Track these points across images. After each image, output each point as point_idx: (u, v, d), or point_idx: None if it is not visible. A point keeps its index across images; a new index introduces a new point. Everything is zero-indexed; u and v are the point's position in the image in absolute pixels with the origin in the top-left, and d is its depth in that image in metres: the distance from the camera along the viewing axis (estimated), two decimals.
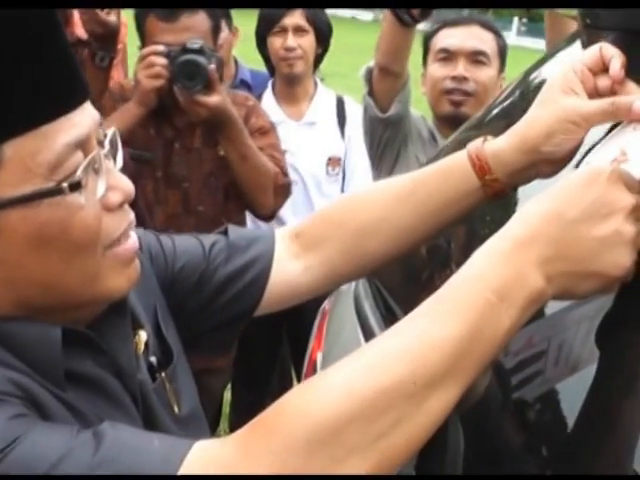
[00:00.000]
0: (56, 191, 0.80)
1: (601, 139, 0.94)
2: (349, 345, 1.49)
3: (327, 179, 2.95)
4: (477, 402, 1.03)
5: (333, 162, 2.96)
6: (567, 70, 0.96)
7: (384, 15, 2.10)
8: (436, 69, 2.33)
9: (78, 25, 2.52)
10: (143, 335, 0.99)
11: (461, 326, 0.74)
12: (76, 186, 0.81)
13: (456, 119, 2.28)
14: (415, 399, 0.72)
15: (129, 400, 0.92)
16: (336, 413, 0.71)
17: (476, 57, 2.31)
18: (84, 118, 0.84)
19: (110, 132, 0.88)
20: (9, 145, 0.78)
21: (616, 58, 0.94)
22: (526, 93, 1.47)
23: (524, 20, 49.08)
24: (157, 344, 1.02)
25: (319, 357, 1.63)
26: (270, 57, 2.93)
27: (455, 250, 1.26)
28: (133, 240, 0.91)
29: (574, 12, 1.43)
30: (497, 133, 1.04)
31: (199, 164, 2.36)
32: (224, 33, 3.05)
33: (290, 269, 1.11)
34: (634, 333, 0.85)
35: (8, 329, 0.83)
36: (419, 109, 2.52)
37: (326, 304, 1.81)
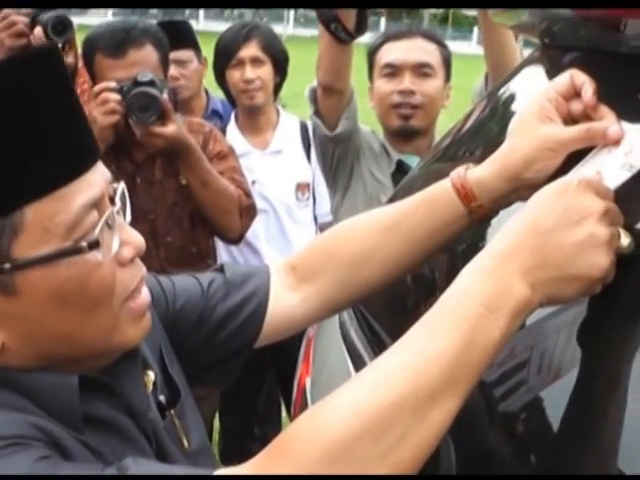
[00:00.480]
0: (75, 250, 0.83)
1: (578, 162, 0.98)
2: (337, 369, 1.50)
3: (298, 205, 2.96)
4: (463, 414, 1.06)
5: (302, 188, 2.97)
6: (541, 99, 1.01)
7: (320, 34, 2.09)
8: (383, 84, 2.35)
9: None
10: (151, 375, 1.02)
11: (455, 340, 0.78)
12: (94, 245, 0.84)
13: (406, 132, 2.34)
14: (418, 412, 0.76)
15: (143, 438, 0.95)
16: (346, 432, 0.75)
17: (421, 69, 2.32)
18: (97, 178, 0.87)
19: (119, 188, 0.92)
20: (30, 208, 0.81)
21: (587, 85, 0.98)
22: (492, 113, 1.50)
23: None
24: (164, 383, 1.05)
25: (308, 382, 1.64)
26: (230, 90, 2.95)
27: (435, 274, 1.29)
28: (145, 294, 0.94)
29: (509, 22, 1.47)
30: (467, 157, 1.08)
31: (162, 195, 2.36)
32: (193, 64, 3.09)
33: (287, 301, 1.14)
34: (613, 334, 0.88)
35: (26, 379, 0.85)
36: (369, 123, 2.54)
37: (310, 330, 1.81)
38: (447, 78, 2.39)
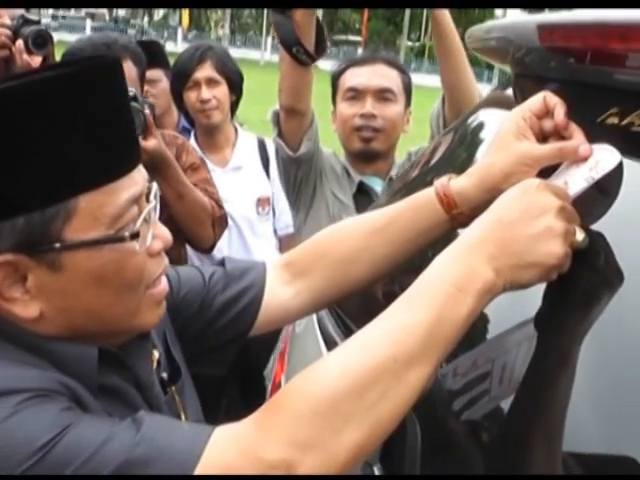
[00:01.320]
0: (119, 238, 0.94)
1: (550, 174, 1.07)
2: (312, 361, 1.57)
3: (259, 219, 3.02)
4: (432, 421, 1.11)
5: (262, 202, 3.03)
6: (517, 117, 1.11)
7: (281, 56, 2.12)
8: (345, 107, 2.41)
9: None
10: (156, 354, 1.11)
11: (429, 314, 0.89)
12: (135, 235, 0.95)
13: (367, 154, 2.39)
14: (397, 374, 0.86)
15: (147, 409, 1.01)
16: (333, 388, 0.85)
17: (383, 94, 2.38)
18: (140, 177, 0.98)
19: (154, 188, 1.01)
20: (83, 198, 0.91)
21: (559, 106, 1.09)
22: (465, 136, 1.57)
23: None
24: (167, 362, 1.14)
25: (283, 379, 1.70)
26: (188, 110, 3.00)
27: (403, 275, 1.35)
28: (165, 283, 1.04)
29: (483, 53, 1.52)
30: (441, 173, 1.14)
31: None
32: (162, 83, 3.11)
33: (281, 294, 1.24)
34: (569, 341, 0.95)
35: (51, 347, 0.95)
36: (331, 146, 2.59)
37: (284, 334, 1.87)
38: (407, 103, 2.45)
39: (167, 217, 2.38)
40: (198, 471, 0.83)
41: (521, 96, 1.16)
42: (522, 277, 0.94)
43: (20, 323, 0.94)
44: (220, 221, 2.49)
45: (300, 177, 2.38)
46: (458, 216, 1.14)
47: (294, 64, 2.05)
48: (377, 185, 2.44)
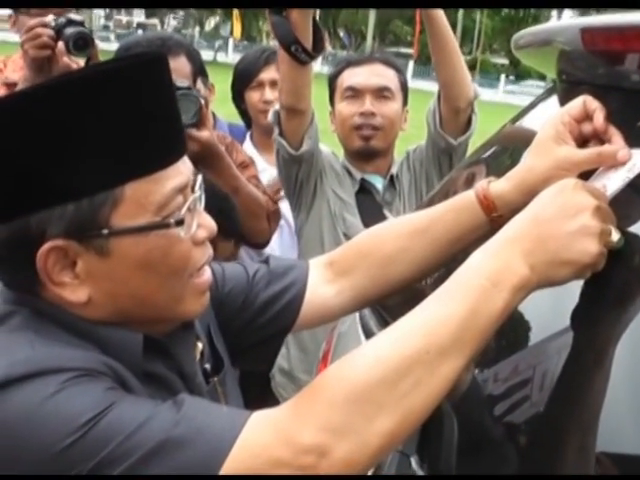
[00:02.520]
0: (165, 225, 0.97)
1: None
2: None
3: None
4: (471, 421, 1.13)
5: None
6: (557, 123, 1.12)
7: (280, 57, 2.14)
8: (344, 107, 2.44)
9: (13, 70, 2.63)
10: (200, 345, 1.13)
11: (463, 306, 0.91)
12: (180, 222, 0.98)
13: (367, 153, 2.42)
14: (429, 366, 0.89)
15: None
16: (367, 376, 0.88)
17: (381, 93, 2.41)
18: (185, 168, 1.01)
19: (199, 179, 1.04)
20: (130, 186, 0.94)
21: (599, 110, 1.09)
22: (510, 142, 1.58)
23: (511, 78, 49.68)
24: (210, 354, 1.16)
25: None
26: (246, 110, 3.04)
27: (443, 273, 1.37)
28: (209, 273, 1.06)
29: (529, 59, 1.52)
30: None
31: None
32: (201, 90, 3.17)
33: (324, 293, 1.26)
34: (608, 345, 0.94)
35: (98, 331, 0.98)
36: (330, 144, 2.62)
37: (328, 336, 1.88)
38: (404, 102, 2.49)
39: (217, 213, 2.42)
40: (234, 451, 0.86)
41: (565, 101, 1.15)
42: (557, 274, 0.95)
43: (69, 308, 0.97)
44: (274, 215, 2.49)
45: (301, 176, 2.40)
46: (498, 219, 1.15)
47: (293, 63, 2.06)
48: (378, 183, 2.48)
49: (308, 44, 2.02)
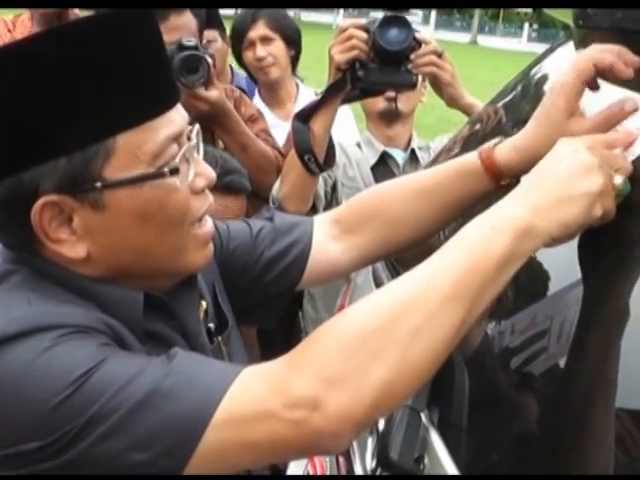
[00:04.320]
0: (159, 175, 0.96)
1: None
2: None
3: None
4: (485, 374, 1.11)
5: None
6: (567, 91, 1.08)
7: (288, 164, 2.14)
8: None
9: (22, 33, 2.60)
10: (204, 304, 1.13)
11: (461, 255, 0.90)
12: (175, 171, 0.97)
13: (390, 114, 2.48)
14: (427, 313, 0.86)
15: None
16: (362, 324, 0.87)
17: None
18: (178, 116, 0.99)
19: (195, 128, 1.03)
20: (121, 137, 0.93)
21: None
22: (527, 88, 1.56)
23: (534, 26, 49.06)
24: (215, 313, 1.16)
25: None
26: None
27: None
28: (210, 224, 1.06)
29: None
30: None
31: None
32: (218, 43, 3.15)
33: (330, 250, 1.26)
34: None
35: (98, 289, 0.98)
36: None
37: (344, 286, 1.90)
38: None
39: None
40: (224, 402, 0.85)
41: (581, 47, 1.13)
42: (564, 213, 0.92)
43: (68, 264, 0.97)
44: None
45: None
46: (506, 185, 1.13)
47: (303, 172, 2.10)
48: (399, 157, 2.54)
49: (321, 157, 2.07)
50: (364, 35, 1.85)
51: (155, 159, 0.95)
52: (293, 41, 3.03)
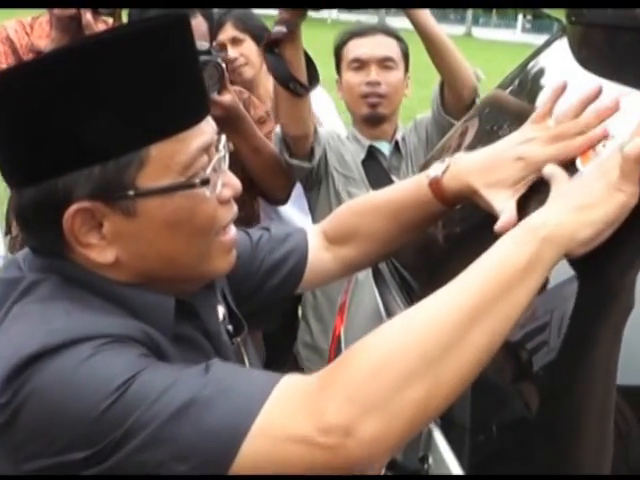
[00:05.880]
0: (190, 185, 0.99)
1: None
2: (369, 313, 1.63)
3: None
4: (488, 374, 1.11)
5: None
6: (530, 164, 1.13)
7: (276, 93, 2.25)
8: (351, 77, 2.58)
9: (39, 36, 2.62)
10: (221, 309, 1.16)
11: (488, 271, 0.91)
12: (205, 182, 1.00)
13: (374, 119, 2.57)
14: (457, 331, 0.87)
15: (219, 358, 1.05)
16: (391, 346, 0.87)
17: (385, 63, 2.56)
18: (209, 128, 1.02)
19: (223, 139, 1.05)
20: (154, 147, 0.96)
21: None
22: (524, 82, 1.57)
23: (528, 17, 48.92)
24: (229, 317, 1.19)
25: (342, 331, 1.74)
26: None
27: (457, 229, 1.37)
28: (234, 231, 1.09)
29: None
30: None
31: None
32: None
33: (323, 258, 1.34)
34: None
35: (129, 294, 1.01)
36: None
37: (345, 285, 1.91)
38: (406, 69, 2.62)
39: (241, 174, 2.42)
40: (259, 419, 0.86)
41: (576, 44, 1.14)
42: (589, 213, 0.93)
43: (96, 269, 1.00)
44: (292, 171, 2.51)
45: (314, 174, 2.53)
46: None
47: (292, 98, 2.19)
48: (385, 148, 2.62)
49: (303, 78, 2.16)
50: None
51: (186, 169, 0.98)
52: (262, 39, 3.04)
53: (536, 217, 0.94)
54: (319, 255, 1.33)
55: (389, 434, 0.85)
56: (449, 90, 2.44)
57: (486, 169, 1.16)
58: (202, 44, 2.19)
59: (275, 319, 1.34)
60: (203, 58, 2.13)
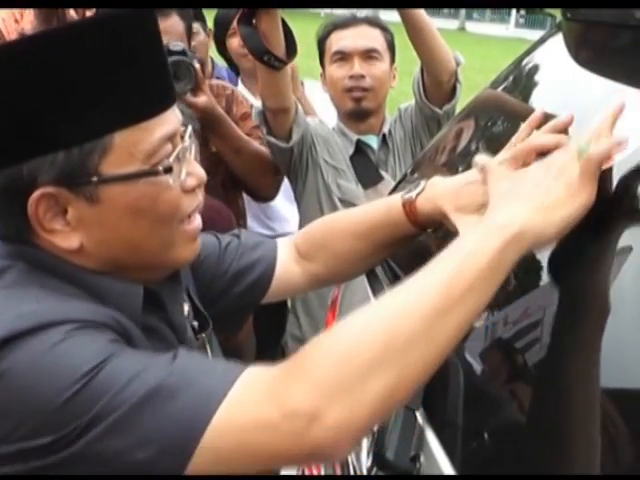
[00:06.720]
0: (153, 172, 1.00)
1: None
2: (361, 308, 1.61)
3: None
4: (480, 369, 1.12)
5: None
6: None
7: (255, 65, 2.20)
8: (334, 70, 2.50)
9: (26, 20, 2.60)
10: (185, 305, 1.16)
11: (453, 264, 0.92)
12: (168, 170, 1.01)
13: (359, 113, 2.50)
14: (422, 321, 0.88)
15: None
16: (357, 335, 0.89)
17: (369, 54, 2.48)
18: (173, 117, 1.03)
19: (188, 130, 1.06)
20: (119, 135, 0.97)
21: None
22: (519, 79, 1.57)
23: (522, 13, 48.94)
24: (193, 314, 1.19)
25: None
26: (231, 57, 3.14)
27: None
28: (198, 221, 1.10)
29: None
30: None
31: None
32: (200, 36, 3.17)
33: (292, 270, 1.36)
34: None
35: (97, 281, 1.02)
36: None
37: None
38: (392, 60, 2.54)
39: (225, 174, 2.40)
40: (223, 408, 0.87)
41: (571, 41, 1.14)
42: (553, 211, 0.95)
43: (64, 256, 1.00)
44: (277, 167, 2.51)
45: (294, 158, 2.47)
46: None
47: (269, 70, 2.14)
48: (373, 142, 2.55)
49: (280, 51, 2.09)
50: None
51: (150, 157, 0.99)
52: None
53: (500, 215, 0.95)
54: (289, 267, 1.35)
55: (354, 420, 0.86)
56: (428, 74, 2.39)
57: (455, 193, 1.18)
58: (177, 44, 2.16)
59: (240, 325, 1.36)
60: (175, 58, 2.11)
